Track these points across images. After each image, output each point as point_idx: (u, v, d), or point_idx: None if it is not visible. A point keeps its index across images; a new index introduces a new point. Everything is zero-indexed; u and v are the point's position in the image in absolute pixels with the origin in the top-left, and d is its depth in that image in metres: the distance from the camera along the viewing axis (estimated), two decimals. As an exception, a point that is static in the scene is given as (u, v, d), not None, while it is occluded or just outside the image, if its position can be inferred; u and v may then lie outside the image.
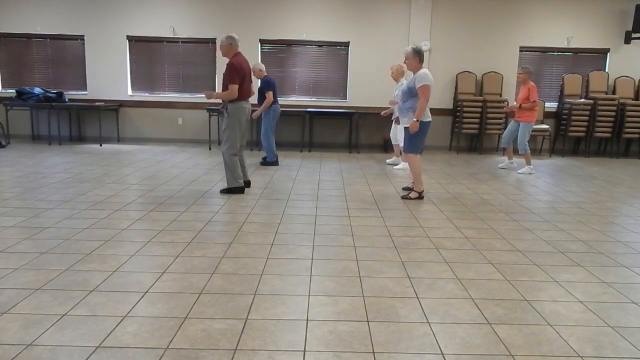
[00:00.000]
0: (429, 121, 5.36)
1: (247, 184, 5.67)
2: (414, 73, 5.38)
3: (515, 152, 7.86)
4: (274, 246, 3.70)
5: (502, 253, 3.69)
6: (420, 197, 5.42)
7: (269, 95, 7.22)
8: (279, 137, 9.79)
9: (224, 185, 5.75)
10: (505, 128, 9.38)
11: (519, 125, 7.44)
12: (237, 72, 5.19)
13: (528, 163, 7.40)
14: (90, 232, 3.92)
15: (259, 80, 7.38)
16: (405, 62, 5.40)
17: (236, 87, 5.17)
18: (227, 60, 5.44)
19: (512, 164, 7.70)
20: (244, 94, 5.30)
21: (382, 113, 5.78)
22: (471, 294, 2.92)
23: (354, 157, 8.72)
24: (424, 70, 5.29)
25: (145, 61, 9.67)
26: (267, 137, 7.39)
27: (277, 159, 7.52)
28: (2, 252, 3.41)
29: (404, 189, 5.86)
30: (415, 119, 5.22)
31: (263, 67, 7.37)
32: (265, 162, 7.49)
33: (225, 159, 5.35)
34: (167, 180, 6.06)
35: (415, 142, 5.34)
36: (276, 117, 7.48)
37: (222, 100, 5.34)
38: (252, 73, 5.42)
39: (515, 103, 7.66)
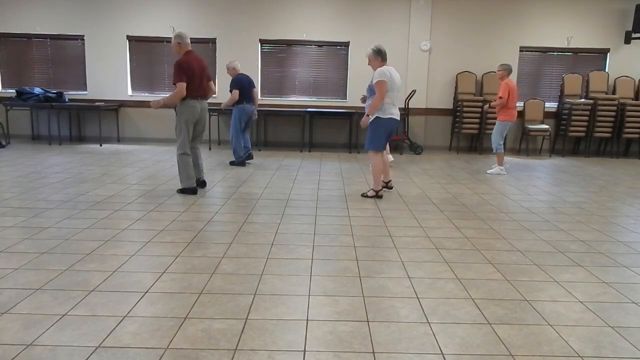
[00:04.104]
0: (390, 118, 5.23)
1: (201, 184, 5.57)
2: None
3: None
4: (274, 246, 3.70)
5: (502, 253, 3.69)
6: (377, 195, 5.40)
7: (234, 93, 7.00)
8: (279, 137, 9.81)
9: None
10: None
11: None
12: (184, 70, 5.04)
13: (499, 164, 7.20)
14: (90, 232, 3.92)
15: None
16: (368, 65, 5.45)
17: (184, 85, 5.02)
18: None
19: (502, 169, 7.23)
20: (194, 92, 5.14)
21: (361, 98, 5.75)
22: (471, 294, 2.92)
23: (353, 157, 8.72)
24: (382, 68, 5.24)
25: (145, 61, 9.67)
26: (236, 138, 7.18)
27: (244, 161, 7.32)
28: (2, 252, 3.41)
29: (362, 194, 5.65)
30: (366, 114, 5.27)
31: (236, 64, 7.21)
32: (234, 163, 7.34)
33: (177, 158, 5.32)
34: (167, 180, 6.06)
35: (376, 139, 5.30)
36: (245, 118, 7.23)
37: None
38: (206, 72, 5.34)
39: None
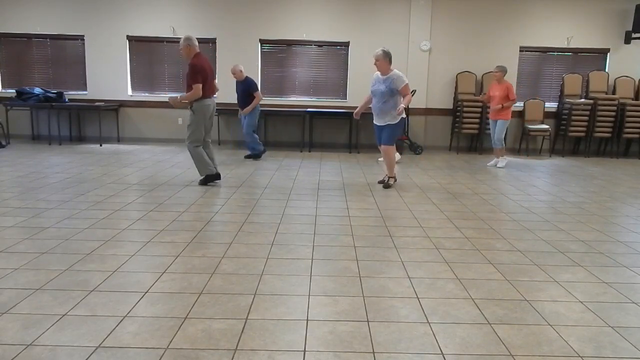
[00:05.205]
0: (405, 117, 6.01)
1: (217, 176, 5.83)
2: (381, 74, 5.74)
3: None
4: (274, 246, 3.70)
5: (502, 253, 3.69)
6: (395, 180, 6.13)
7: (258, 94, 7.72)
8: (279, 137, 9.82)
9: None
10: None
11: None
12: (199, 72, 5.40)
13: (504, 155, 8.07)
14: (90, 232, 3.92)
15: (238, 82, 7.78)
16: (375, 64, 5.68)
17: (200, 86, 5.39)
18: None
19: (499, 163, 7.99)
20: (207, 92, 5.53)
21: (355, 114, 6.13)
22: (471, 294, 2.92)
23: (354, 157, 8.72)
24: (398, 71, 5.73)
25: (145, 61, 9.67)
26: (250, 134, 7.89)
27: (264, 148, 8.13)
28: (2, 252, 3.41)
29: (379, 182, 6.24)
30: (403, 106, 5.63)
31: (242, 67, 7.80)
32: (250, 156, 8.02)
33: (190, 151, 5.63)
34: (167, 181, 6.06)
35: (396, 136, 5.99)
36: (258, 116, 8.02)
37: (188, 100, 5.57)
38: (213, 72, 5.78)
39: (483, 97, 8.22)
